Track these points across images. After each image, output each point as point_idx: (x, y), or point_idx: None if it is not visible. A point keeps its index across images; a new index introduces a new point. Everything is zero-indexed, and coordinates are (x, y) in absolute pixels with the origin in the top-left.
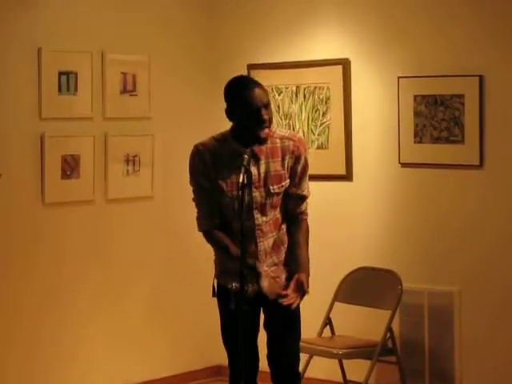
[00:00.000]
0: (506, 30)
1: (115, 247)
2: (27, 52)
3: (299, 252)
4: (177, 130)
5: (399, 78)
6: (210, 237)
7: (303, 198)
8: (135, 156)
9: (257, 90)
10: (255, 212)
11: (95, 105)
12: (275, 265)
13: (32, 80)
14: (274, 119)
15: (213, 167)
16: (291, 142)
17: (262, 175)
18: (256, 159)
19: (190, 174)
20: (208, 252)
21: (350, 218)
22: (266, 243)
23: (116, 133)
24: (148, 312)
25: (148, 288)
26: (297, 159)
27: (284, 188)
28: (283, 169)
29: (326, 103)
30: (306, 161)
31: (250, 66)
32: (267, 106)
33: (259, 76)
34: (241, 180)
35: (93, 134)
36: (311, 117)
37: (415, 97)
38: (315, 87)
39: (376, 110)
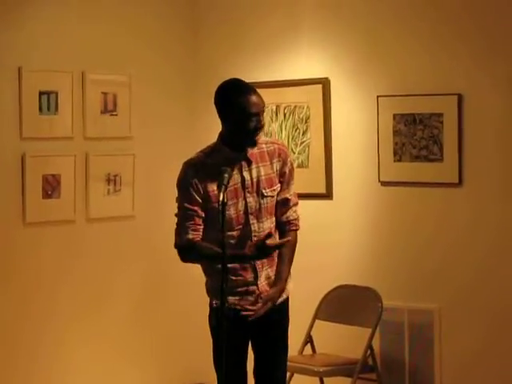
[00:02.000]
0: (485, 49)
1: (96, 267)
2: (7, 71)
3: (282, 268)
4: (158, 150)
5: (378, 96)
6: (192, 248)
7: (291, 203)
8: (116, 175)
9: (255, 96)
10: (251, 218)
11: (76, 124)
12: (269, 278)
13: (12, 100)
14: None
15: (205, 181)
16: (276, 146)
17: (255, 180)
18: (248, 164)
19: (180, 190)
20: (190, 271)
21: (331, 237)
22: None
23: (97, 152)
24: (130, 331)
25: (130, 307)
26: (284, 162)
27: (276, 192)
28: (273, 172)
29: (305, 122)
30: (291, 164)
31: None
32: (264, 111)
33: None
34: (221, 198)
35: (74, 153)
36: (291, 135)
37: (394, 115)
38: (295, 106)
39: (355, 128)
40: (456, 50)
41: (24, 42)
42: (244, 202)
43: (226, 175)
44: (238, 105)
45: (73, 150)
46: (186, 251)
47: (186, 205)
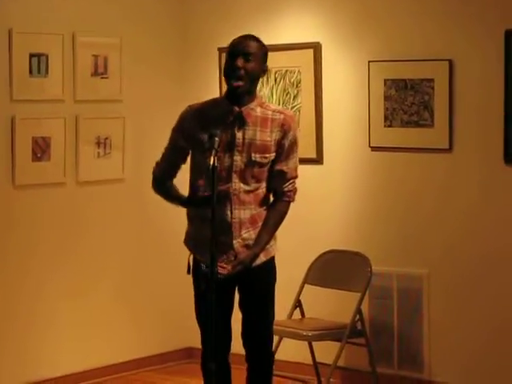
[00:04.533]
0: (476, 14)
1: (86, 229)
2: None
3: (263, 233)
4: (148, 113)
5: (370, 62)
6: (161, 185)
7: (288, 176)
8: (106, 138)
9: (242, 40)
10: (234, 176)
11: (66, 87)
12: (246, 240)
13: (3, 62)
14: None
15: (199, 127)
16: (282, 116)
17: (247, 141)
18: (242, 123)
19: (174, 128)
20: (179, 234)
21: (320, 201)
22: (241, 213)
23: (87, 115)
24: (119, 293)
25: (119, 270)
26: (285, 133)
27: (268, 160)
28: (270, 140)
29: (296, 87)
30: (294, 137)
31: (221, 50)
32: (247, 55)
33: None
34: (211, 163)
35: (64, 116)
36: (282, 100)
37: (385, 81)
38: (286, 71)
39: (346, 93)
40: (447, 16)
41: (14, 3)
42: (231, 159)
43: (217, 139)
44: (227, 49)
45: (63, 112)
46: (155, 185)
47: (173, 143)
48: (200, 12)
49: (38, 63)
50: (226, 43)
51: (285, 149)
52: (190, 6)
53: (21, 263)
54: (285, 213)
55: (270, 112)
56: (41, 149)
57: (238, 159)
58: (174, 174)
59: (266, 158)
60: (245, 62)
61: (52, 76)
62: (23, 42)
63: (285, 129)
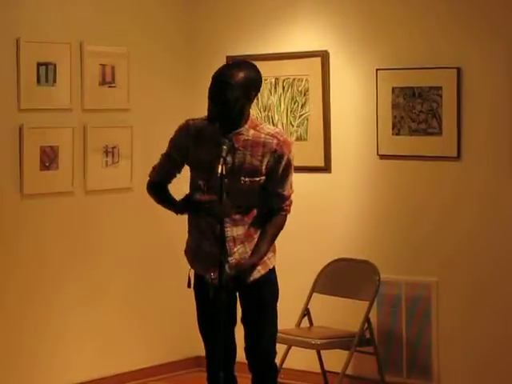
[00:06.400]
0: (484, 22)
1: (94, 238)
2: (5, 43)
3: (260, 244)
4: (155, 122)
5: (377, 70)
6: (156, 188)
7: (284, 197)
8: (114, 147)
9: (212, 83)
10: (224, 196)
11: (74, 96)
12: (244, 254)
13: (11, 71)
14: (252, 111)
15: (194, 143)
16: (275, 141)
17: (236, 164)
18: (232, 148)
19: (172, 139)
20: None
21: (329, 210)
22: (234, 230)
23: (95, 124)
24: (127, 303)
25: (127, 279)
26: (278, 158)
27: (258, 184)
28: (260, 164)
29: (304, 95)
30: (288, 161)
31: (229, 58)
32: (214, 99)
33: None
34: (219, 171)
35: (72, 125)
36: (290, 108)
37: (393, 89)
38: (294, 79)
39: (354, 101)
40: (455, 23)
41: (22, 12)
42: (221, 181)
43: (225, 147)
44: None
45: (71, 121)
46: (151, 188)
47: (168, 154)
48: (208, 21)
49: (46, 72)
50: (234, 52)
51: (279, 173)
52: (198, 15)
53: (29, 272)
54: (282, 225)
55: (262, 135)
56: (49, 158)
57: (227, 181)
58: (168, 181)
59: (255, 181)
60: (213, 105)
61: (60, 85)
62: (31, 51)
63: (278, 154)
